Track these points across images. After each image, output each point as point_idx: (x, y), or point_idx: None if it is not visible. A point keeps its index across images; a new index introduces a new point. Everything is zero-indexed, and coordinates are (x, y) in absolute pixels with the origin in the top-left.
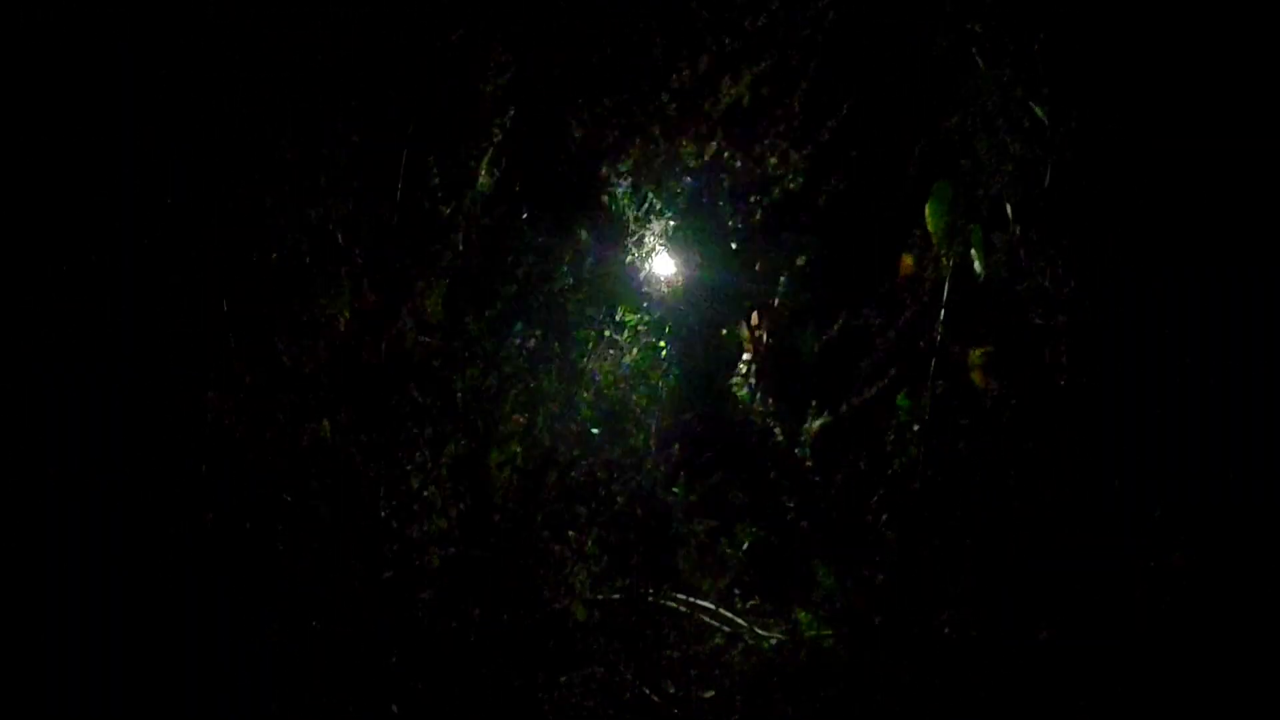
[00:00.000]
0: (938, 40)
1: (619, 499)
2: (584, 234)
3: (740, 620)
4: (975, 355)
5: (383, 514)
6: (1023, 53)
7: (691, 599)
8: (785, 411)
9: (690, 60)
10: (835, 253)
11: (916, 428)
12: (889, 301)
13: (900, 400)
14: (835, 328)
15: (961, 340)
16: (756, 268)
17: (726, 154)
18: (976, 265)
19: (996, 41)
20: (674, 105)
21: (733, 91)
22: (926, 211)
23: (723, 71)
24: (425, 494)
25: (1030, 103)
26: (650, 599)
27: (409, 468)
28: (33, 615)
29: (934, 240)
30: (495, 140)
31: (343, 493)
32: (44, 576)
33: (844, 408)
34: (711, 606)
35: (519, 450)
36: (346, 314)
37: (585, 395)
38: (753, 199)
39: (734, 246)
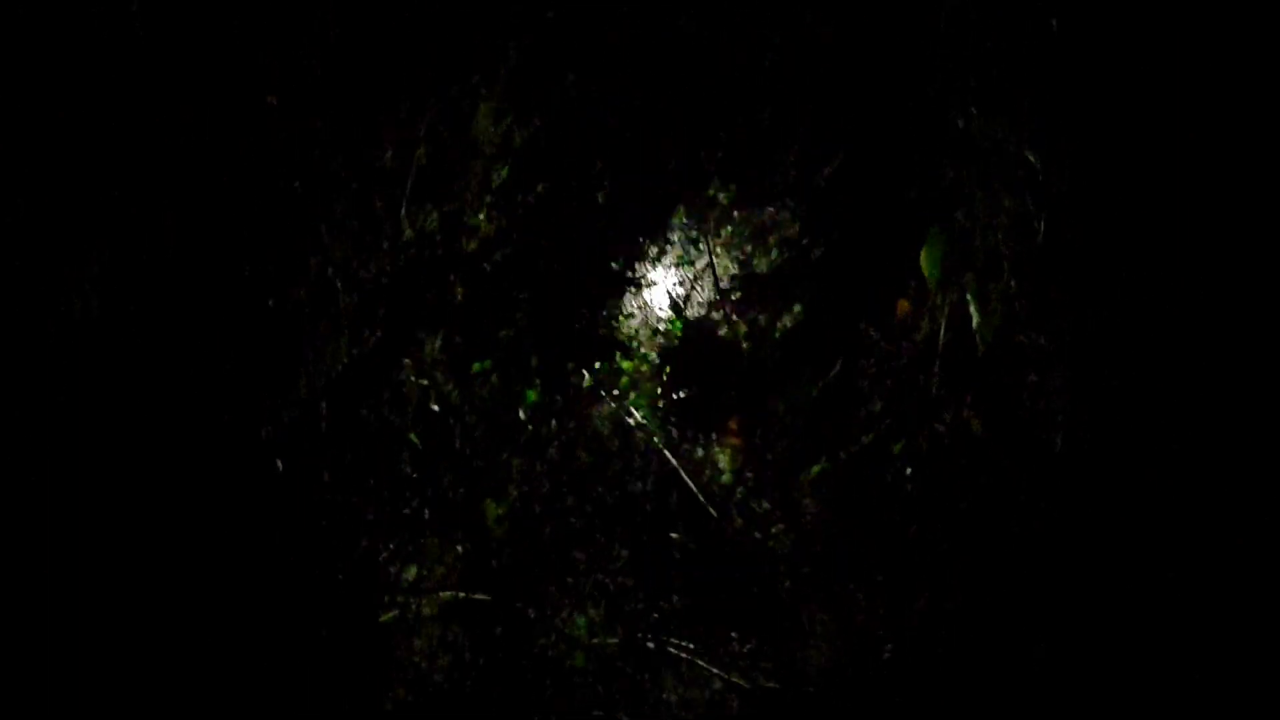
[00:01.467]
0: (931, 90)
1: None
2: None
3: (738, 665)
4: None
5: (381, 558)
6: (1016, 103)
7: (690, 644)
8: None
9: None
10: (831, 297)
11: (910, 471)
12: (885, 348)
13: (896, 449)
14: (832, 374)
15: (958, 387)
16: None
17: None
18: (972, 309)
19: (991, 92)
20: (675, 158)
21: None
22: (921, 258)
23: (720, 123)
24: (423, 540)
25: (1025, 152)
26: (650, 645)
27: (407, 511)
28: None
29: (929, 287)
30: (494, 185)
31: (343, 536)
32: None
33: (841, 455)
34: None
35: (516, 494)
36: (345, 359)
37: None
38: (748, 248)
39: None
